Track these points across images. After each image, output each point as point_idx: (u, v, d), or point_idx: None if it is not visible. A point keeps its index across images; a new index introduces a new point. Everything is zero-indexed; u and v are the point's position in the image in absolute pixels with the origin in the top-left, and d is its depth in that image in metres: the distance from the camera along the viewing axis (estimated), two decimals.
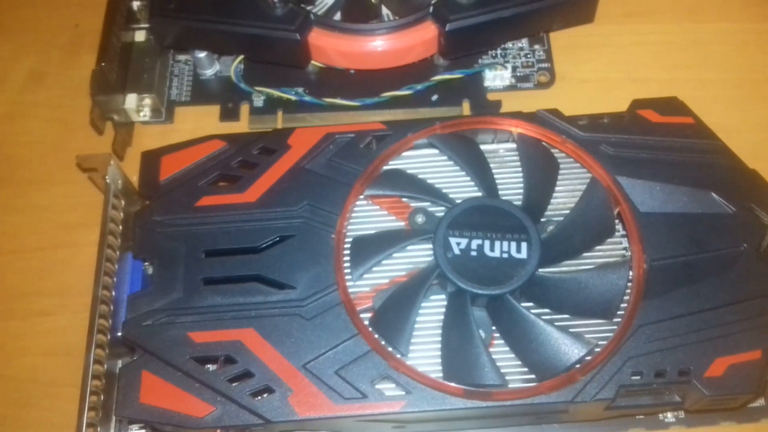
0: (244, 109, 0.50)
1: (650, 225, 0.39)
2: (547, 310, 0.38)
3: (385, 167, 0.42)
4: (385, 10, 0.50)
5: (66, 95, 0.51)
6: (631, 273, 0.38)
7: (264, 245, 0.39)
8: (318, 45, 0.47)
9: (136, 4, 0.50)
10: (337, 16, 0.49)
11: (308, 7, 0.49)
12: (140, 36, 0.50)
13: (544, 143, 0.42)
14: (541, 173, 0.41)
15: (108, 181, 0.41)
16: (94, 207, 0.44)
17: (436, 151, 0.42)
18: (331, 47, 0.47)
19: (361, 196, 0.41)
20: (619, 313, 0.38)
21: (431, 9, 0.47)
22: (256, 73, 0.50)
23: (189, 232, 0.39)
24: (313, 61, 0.49)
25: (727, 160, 0.41)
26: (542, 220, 0.40)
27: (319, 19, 0.47)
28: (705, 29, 0.53)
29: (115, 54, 0.46)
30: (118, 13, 0.48)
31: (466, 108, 0.50)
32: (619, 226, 0.40)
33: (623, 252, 0.40)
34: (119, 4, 0.49)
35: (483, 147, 0.43)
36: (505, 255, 0.38)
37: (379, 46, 0.47)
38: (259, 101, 0.50)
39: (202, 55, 0.49)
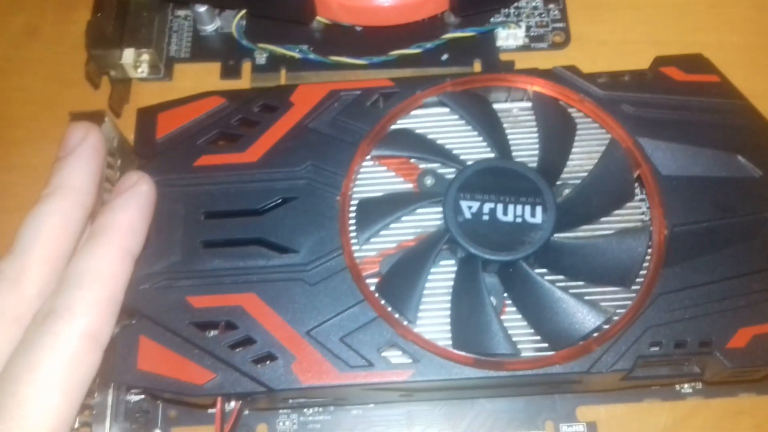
0: (246, 66, 0.48)
1: (672, 189, 0.37)
2: (561, 277, 0.36)
3: (393, 126, 0.40)
4: None
5: (61, 51, 0.49)
6: (651, 239, 0.36)
7: (266, 207, 0.37)
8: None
9: None
10: None
11: None
12: None
13: (560, 102, 0.40)
14: (557, 134, 0.39)
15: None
16: None
17: (447, 110, 0.40)
18: (336, 1, 0.45)
19: (368, 157, 0.39)
20: (638, 280, 0.36)
21: None
22: (259, 30, 0.48)
23: (188, 193, 0.37)
24: (318, 17, 0.47)
25: (755, 121, 0.39)
26: (558, 183, 0.38)
27: None
28: None
29: (111, 6, 0.44)
30: None
31: (477, 68, 0.48)
32: (639, 190, 0.38)
33: (643, 217, 0.38)
34: None
35: (496, 106, 0.41)
36: (518, 219, 0.36)
37: (387, 0, 0.45)
38: (261, 59, 0.48)
39: (202, 9, 0.47)
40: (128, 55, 0.46)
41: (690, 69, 0.40)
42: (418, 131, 0.40)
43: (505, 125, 0.40)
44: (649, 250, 0.36)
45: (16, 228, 0.44)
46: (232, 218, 0.37)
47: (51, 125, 0.47)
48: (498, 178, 0.37)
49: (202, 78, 0.48)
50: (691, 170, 0.38)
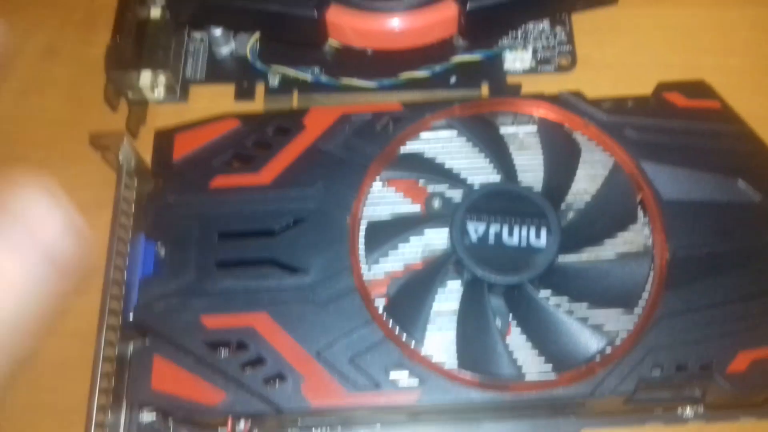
0: (260, 88, 0.49)
1: (674, 213, 0.38)
2: (565, 299, 0.37)
3: (402, 149, 0.41)
4: None
5: (81, 72, 0.51)
6: (653, 262, 0.37)
7: (278, 228, 0.38)
8: (335, 22, 0.46)
9: None
10: None
11: None
12: (156, 12, 0.49)
13: (565, 127, 0.41)
14: (561, 158, 0.40)
15: (121, 160, 0.40)
16: (107, 186, 0.43)
17: (455, 133, 0.42)
18: (349, 25, 0.46)
19: (377, 179, 0.40)
20: (640, 303, 0.37)
21: None
22: (272, 52, 0.49)
23: (202, 214, 0.39)
24: (330, 40, 0.48)
25: (755, 146, 0.40)
26: (563, 206, 0.39)
27: None
28: (731, 13, 0.51)
29: (130, 30, 0.45)
30: None
31: (485, 90, 0.49)
32: (642, 213, 0.39)
33: (646, 240, 0.39)
34: None
35: (502, 130, 0.42)
36: (524, 242, 0.37)
37: (398, 24, 0.46)
38: (274, 81, 0.49)
39: (217, 32, 0.48)
40: (146, 77, 0.47)
41: (692, 95, 0.41)
42: (426, 154, 0.41)
43: (511, 149, 0.41)
44: (651, 273, 0.37)
45: None
46: (245, 238, 0.38)
47: (70, 146, 0.48)
48: (504, 202, 0.38)
49: (216, 100, 0.49)
50: (693, 195, 0.39)
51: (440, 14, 0.46)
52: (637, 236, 0.39)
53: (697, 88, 0.41)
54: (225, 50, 0.49)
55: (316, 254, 0.38)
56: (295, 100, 0.49)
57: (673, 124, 0.40)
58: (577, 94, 0.41)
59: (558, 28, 0.51)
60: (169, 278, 0.37)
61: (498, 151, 0.40)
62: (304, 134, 0.40)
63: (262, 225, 0.38)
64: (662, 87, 0.42)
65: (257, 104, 0.49)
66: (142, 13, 0.48)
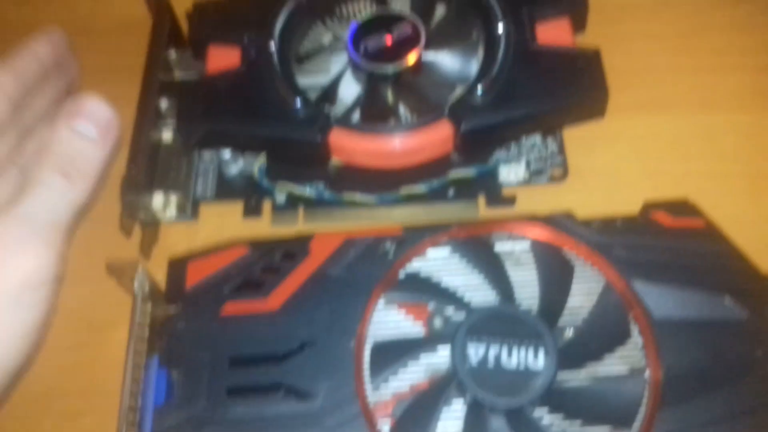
0: (267, 205, 0.51)
1: (665, 331, 0.40)
2: (562, 416, 0.39)
3: (403, 271, 0.43)
4: (402, 109, 0.52)
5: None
6: (647, 381, 0.39)
7: (286, 353, 0.40)
8: (338, 145, 0.49)
9: (163, 104, 0.52)
10: (357, 114, 0.51)
11: (329, 108, 0.50)
12: (167, 135, 0.52)
13: (557, 247, 0.43)
14: (555, 279, 0.42)
15: (136, 288, 0.42)
16: (121, 305, 0.45)
17: (453, 253, 0.44)
18: (351, 147, 0.49)
19: (381, 301, 0.42)
20: (636, 423, 0.38)
21: (447, 110, 0.49)
22: (279, 170, 0.52)
23: (213, 341, 0.40)
24: (333, 158, 0.51)
25: (740, 264, 0.42)
26: (560, 322, 0.41)
27: (338, 120, 0.49)
28: (718, 120, 0.54)
29: (144, 156, 0.48)
30: (148, 114, 0.50)
31: (481, 202, 0.51)
32: (635, 330, 0.41)
33: (640, 357, 0.40)
34: (149, 104, 0.50)
35: (499, 246, 0.44)
36: (522, 364, 0.39)
37: (397, 145, 0.49)
38: (281, 198, 0.51)
39: (227, 154, 0.51)
40: (158, 199, 0.49)
41: (678, 213, 0.43)
42: (427, 274, 0.43)
43: (508, 264, 0.43)
44: (646, 392, 0.38)
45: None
46: (255, 364, 0.40)
47: (85, 266, 0.50)
48: (502, 324, 0.40)
49: (225, 217, 0.51)
50: (682, 313, 0.40)
51: (436, 134, 0.49)
52: (632, 352, 0.40)
53: (683, 207, 0.44)
54: (234, 169, 0.52)
55: (322, 379, 0.39)
56: (300, 216, 0.51)
57: (661, 243, 0.42)
58: (568, 215, 0.44)
59: (549, 140, 0.53)
60: (182, 406, 0.39)
61: (494, 273, 0.42)
62: (309, 259, 0.42)
63: (271, 350, 0.40)
64: (649, 206, 0.44)
65: (265, 221, 0.51)
66: (155, 136, 0.51)
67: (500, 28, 0.50)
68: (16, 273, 0.37)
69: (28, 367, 0.44)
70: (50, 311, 0.40)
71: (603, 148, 0.53)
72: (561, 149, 0.53)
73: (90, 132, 0.41)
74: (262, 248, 0.43)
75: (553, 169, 0.52)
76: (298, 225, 0.51)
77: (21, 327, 0.38)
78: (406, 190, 0.51)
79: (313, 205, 0.51)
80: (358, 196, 0.51)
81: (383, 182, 0.51)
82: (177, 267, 0.43)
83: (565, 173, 0.52)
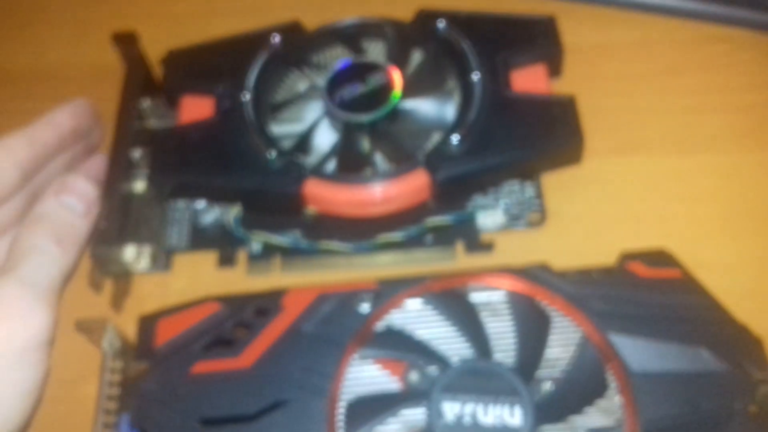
0: (242, 255, 0.51)
1: (643, 385, 0.39)
2: None
3: (379, 325, 0.42)
4: (378, 157, 0.51)
5: None
6: None
7: (258, 413, 0.39)
8: (313, 194, 0.48)
9: (136, 154, 0.52)
10: (332, 164, 0.51)
11: (303, 157, 0.50)
12: (140, 186, 0.51)
13: (534, 299, 0.42)
14: (532, 331, 0.41)
15: (105, 346, 0.42)
16: (92, 360, 0.45)
17: (429, 306, 0.43)
18: (326, 197, 0.49)
19: (355, 357, 0.41)
20: None
21: (423, 158, 0.48)
22: (254, 219, 0.51)
23: (184, 400, 0.40)
24: (308, 207, 0.50)
25: (717, 314, 0.41)
26: (537, 374, 0.41)
27: (313, 170, 0.49)
28: (695, 161, 0.53)
29: (115, 209, 0.47)
30: (120, 166, 0.49)
31: (459, 249, 0.51)
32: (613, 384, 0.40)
33: (619, 408, 0.40)
34: (121, 155, 0.50)
35: (475, 296, 0.43)
36: (498, 421, 0.38)
37: (373, 195, 0.48)
38: (256, 247, 0.51)
39: (201, 203, 0.51)
40: (130, 251, 0.49)
41: (654, 264, 0.43)
42: (402, 328, 0.42)
43: (485, 314, 0.43)
44: None
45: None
46: (226, 425, 0.39)
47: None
48: (478, 379, 0.39)
49: (199, 267, 0.50)
50: (660, 365, 0.40)
51: (413, 184, 0.48)
52: (610, 405, 0.40)
53: (659, 257, 0.43)
54: (208, 219, 0.51)
55: None
56: (277, 265, 0.50)
57: (637, 295, 0.42)
58: (544, 267, 0.43)
59: (527, 185, 0.53)
60: None
61: (470, 325, 0.42)
62: (282, 316, 0.42)
63: (242, 410, 0.39)
64: (625, 257, 0.43)
65: (240, 271, 0.50)
66: (127, 186, 0.51)
67: (475, 76, 0.50)
68: (21, 334, 0.40)
69: (26, 428, 0.44)
70: (48, 370, 0.42)
71: (581, 191, 0.53)
72: (539, 194, 0.53)
73: (77, 206, 0.46)
74: (233, 304, 0.42)
75: (531, 214, 0.52)
76: (275, 274, 0.50)
77: (25, 386, 0.40)
78: (383, 238, 0.50)
79: (290, 253, 0.51)
80: (335, 245, 0.50)
81: (360, 230, 0.50)
82: (147, 324, 0.42)
83: (543, 218, 0.52)
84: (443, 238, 0.51)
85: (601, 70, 0.58)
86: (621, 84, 0.57)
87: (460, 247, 0.51)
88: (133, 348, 0.44)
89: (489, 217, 0.52)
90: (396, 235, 0.50)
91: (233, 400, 0.40)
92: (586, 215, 0.52)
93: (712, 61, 0.58)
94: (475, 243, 0.51)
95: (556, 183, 0.53)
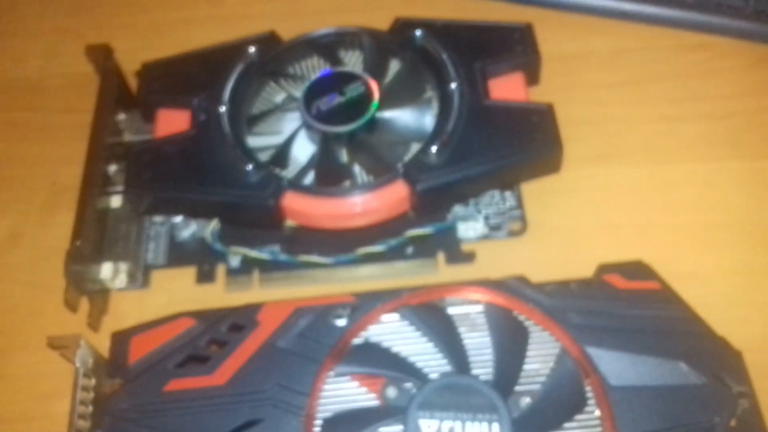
0: (221, 269, 0.50)
1: (621, 399, 0.39)
2: None
3: (355, 340, 0.42)
4: (357, 168, 0.51)
5: (43, 256, 0.52)
6: None
7: (232, 431, 0.39)
8: (291, 208, 0.48)
9: (112, 168, 0.51)
10: (310, 176, 0.50)
11: (281, 171, 0.50)
12: (116, 201, 0.51)
13: (512, 312, 0.42)
14: (509, 345, 0.41)
15: (77, 364, 0.41)
16: (68, 375, 0.44)
17: (407, 321, 0.43)
18: (305, 210, 0.48)
19: (331, 373, 0.41)
20: None
21: (401, 169, 0.48)
22: (232, 233, 0.51)
23: (157, 420, 0.39)
24: (287, 221, 0.50)
25: (695, 327, 0.41)
26: (516, 389, 0.40)
27: (291, 183, 0.48)
28: (674, 170, 0.53)
29: (90, 229, 0.47)
30: (94, 181, 0.49)
31: (440, 260, 0.50)
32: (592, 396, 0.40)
33: (597, 423, 0.39)
34: (95, 170, 0.49)
35: (453, 309, 0.43)
36: None
37: (352, 207, 0.48)
38: (235, 262, 0.50)
39: (178, 218, 0.50)
40: (107, 269, 0.48)
41: (632, 276, 0.43)
42: (380, 341, 0.42)
43: (463, 329, 0.42)
44: None
45: None
46: None
47: (32, 333, 0.49)
48: (455, 395, 0.39)
49: (178, 283, 0.50)
50: (638, 379, 0.39)
51: (392, 195, 0.48)
52: (589, 421, 0.39)
53: (637, 269, 0.43)
54: (185, 233, 0.51)
55: None
56: (256, 281, 0.50)
57: (615, 307, 0.41)
58: (521, 279, 0.43)
59: (507, 195, 0.53)
60: None
61: (448, 339, 0.41)
62: (258, 331, 0.41)
63: (217, 429, 0.39)
64: (603, 269, 0.43)
65: (218, 286, 0.50)
66: (102, 203, 0.50)
67: (453, 85, 0.50)
68: None
69: None
70: None
71: (561, 201, 0.53)
72: (519, 203, 0.52)
73: None
74: (208, 319, 0.42)
75: (511, 224, 0.52)
76: (254, 289, 0.50)
77: None
78: (363, 250, 0.50)
79: (269, 267, 0.50)
80: (315, 258, 0.50)
81: (339, 243, 0.50)
82: (120, 341, 0.42)
83: (524, 227, 0.52)
84: (424, 249, 0.51)
85: (579, 78, 0.57)
86: (599, 92, 0.57)
87: (441, 258, 0.50)
88: (107, 365, 0.43)
89: (470, 227, 0.51)
90: (376, 248, 0.50)
91: (207, 418, 0.39)
92: (566, 225, 0.52)
93: (690, 69, 0.58)
94: (456, 254, 0.50)
95: (536, 192, 0.53)
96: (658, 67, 0.58)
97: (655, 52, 0.59)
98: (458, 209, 0.52)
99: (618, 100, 0.57)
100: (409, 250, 0.50)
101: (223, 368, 0.40)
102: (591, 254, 0.46)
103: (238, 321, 0.42)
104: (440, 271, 0.50)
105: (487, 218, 0.52)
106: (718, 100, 0.56)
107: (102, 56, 0.52)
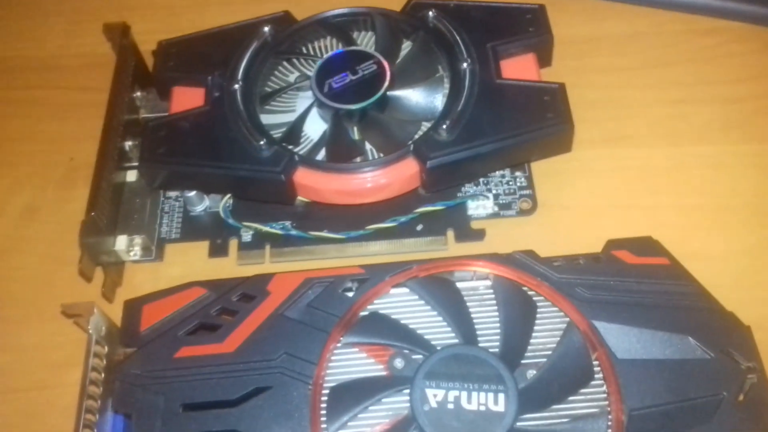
0: (233, 244, 0.51)
1: (628, 372, 0.39)
2: None
3: (364, 311, 0.42)
4: (368, 146, 0.51)
5: (59, 230, 0.52)
6: (610, 423, 0.38)
7: (241, 398, 0.39)
8: (303, 184, 0.48)
9: (128, 144, 0.52)
10: (322, 153, 0.51)
11: (293, 147, 0.50)
12: (131, 176, 0.52)
13: (520, 285, 0.42)
14: (517, 318, 0.41)
15: (90, 330, 0.42)
16: (81, 345, 0.44)
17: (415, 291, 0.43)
18: (316, 185, 0.49)
19: (339, 343, 0.41)
20: None
21: (412, 147, 0.48)
22: (245, 209, 0.51)
23: (167, 385, 0.40)
24: (299, 197, 0.50)
25: (704, 302, 0.41)
26: (523, 362, 0.40)
27: (303, 159, 0.49)
28: (684, 153, 0.53)
29: (105, 200, 0.47)
30: (110, 155, 0.50)
31: (450, 237, 0.51)
32: (599, 369, 0.40)
33: (604, 396, 0.39)
34: (111, 144, 0.50)
35: (462, 284, 0.43)
36: (482, 407, 0.38)
37: (362, 183, 0.48)
38: (247, 236, 0.51)
39: (191, 193, 0.51)
40: (121, 241, 0.49)
41: (641, 252, 0.43)
42: (388, 313, 0.42)
43: (471, 304, 0.42)
44: None
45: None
46: (209, 410, 0.39)
47: (47, 305, 0.49)
48: (462, 365, 0.39)
49: (191, 256, 0.51)
50: (646, 353, 0.40)
51: (402, 172, 0.48)
52: (596, 394, 0.40)
53: (646, 245, 0.43)
54: (199, 208, 0.52)
55: (278, 425, 0.38)
56: (267, 255, 0.50)
57: (624, 282, 0.41)
58: (530, 253, 0.43)
59: (518, 174, 0.53)
60: None
61: (456, 312, 0.41)
62: (268, 301, 0.42)
63: (226, 395, 0.39)
64: (612, 244, 0.43)
65: (231, 260, 0.50)
66: (118, 177, 0.51)
67: (465, 65, 0.50)
68: None
69: None
70: None
71: (571, 181, 0.53)
72: (530, 183, 0.53)
73: None
74: (219, 289, 0.42)
75: (521, 202, 0.52)
76: (265, 263, 0.50)
77: None
78: (373, 226, 0.50)
79: (280, 243, 0.51)
80: (326, 234, 0.50)
81: (350, 219, 0.50)
82: (132, 309, 0.42)
83: (534, 206, 0.52)
84: (434, 226, 0.51)
85: (591, 62, 0.58)
86: (611, 76, 0.57)
87: (450, 235, 0.51)
88: (119, 332, 0.44)
89: (480, 205, 0.52)
90: (386, 224, 0.50)
91: (216, 385, 0.40)
92: (576, 205, 0.52)
93: (702, 53, 0.58)
94: (466, 231, 0.51)
95: (547, 172, 0.53)
96: (670, 51, 0.58)
97: (667, 37, 0.59)
98: (469, 188, 0.52)
99: (630, 84, 0.57)
100: (419, 227, 0.51)
101: (233, 336, 0.41)
102: (600, 233, 0.46)
103: (248, 291, 0.42)
104: (450, 247, 0.50)
105: (497, 197, 0.52)
106: (729, 85, 0.56)
107: (119, 34, 0.53)
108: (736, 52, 0.57)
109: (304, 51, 0.55)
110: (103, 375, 0.42)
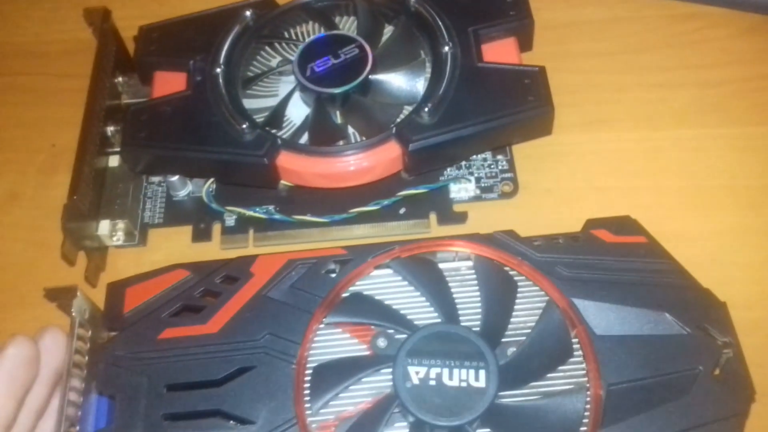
0: (217, 228, 0.51)
1: (606, 348, 0.40)
2: None
3: (346, 292, 0.43)
4: (351, 129, 0.52)
5: (41, 215, 0.53)
6: (589, 398, 0.39)
7: (224, 378, 0.39)
8: (286, 167, 0.49)
9: (110, 129, 0.52)
10: (305, 137, 0.51)
11: (276, 131, 0.50)
12: (114, 161, 0.52)
13: (501, 265, 0.43)
14: (498, 296, 0.42)
15: (74, 313, 0.42)
16: (65, 330, 0.45)
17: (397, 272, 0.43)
18: (299, 169, 0.49)
19: (322, 323, 0.41)
20: None
21: (394, 130, 0.49)
22: (228, 193, 0.52)
23: (151, 366, 0.40)
24: (282, 181, 0.50)
25: (681, 279, 0.42)
26: (503, 340, 0.41)
27: (286, 143, 0.49)
28: (662, 136, 0.54)
29: (87, 185, 0.47)
30: (92, 140, 0.50)
31: (433, 220, 0.51)
32: (578, 347, 0.41)
33: (583, 373, 0.40)
34: (93, 129, 0.50)
35: (444, 265, 0.44)
36: (463, 383, 0.38)
37: (345, 166, 0.49)
38: (230, 221, 0.51)
39: (174, 177, 0.51)
40: (104, 226, 0.49)
41: (619, 231, 0.43)
42: (371, 294, 0.42)
43: (453, 284, 0.43)
44: (588, 410, 0.38)
45: None
46: (193, 390, 0.39)
47: (29, 291, 0.50)
48: (444, 343, 0.40)
49: (174, 241, 0.51)
50: (624, 329, 0.40)
51: (384, 155, 0.49)
52: (575, 370, 0.40)
53: (624, 224, 0.44)
54: (182, 193, 0.52)
55: (262, 404, 0.39)
56: (251, 239, 0.51)
57: (602, 261, 0.42)
58: (510, 233, 0.43)
59: (500, 157, 0.53)
60: None
61: (438, 291, 0.42)
62: (251, 282, 0.42)
63: (209, 376, 0.40)
64: (591, 224, 0.44)
65: (214, 245, 0.51)
66: (100, 162, 0.51)
67: (446, 48, 0.50)
68: None
69: None
70: None
71: (552, 164, 0.54)
72: (511, 166, 0.53)
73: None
74: (203, 271, 0.43)
75: (503, 185, 0.52)
76: (249, 248, 0.51)
77: None
78: (357, 209, 0.50)
79: (264, 227, 0.51)
80: (309, 217, 0.50)
81: (333, 203, 0.51)
82: (115, 291, 0.42)
83: (515, 189, 0.52)
84: (417, 209, 0.51)
85: (571, 47, 0.58)
86: (591, 61, 0.58)
87: (433, 218, 0.51)
88: (103, 314, 0.44)
89: (462, 188, 0.52)
90: (370, 207, 0.51)
91: (199, 366, 0.40)
92: (556, 187, 0.53)
93: (681, 38, 0.58)
94: (449, 214, 0.51)
95: (527, 157, 0.54)
96: (649, 36, 0.59)
97: (646, 22, 0.60)
98: (451, 171, 0.53)
99: (609, 69, 0.57)
100: (402, 210, 0.51)
101: (216, 317, 0.41)
102: (581, 215, 0.46)
103: (232, 272, 0.43)
104: (433, 230, 0.51)
105: (479, 180, 0.52)
106: (708, 69, 0.57)
107: (100, 19, 0.53)
108: (713, 37, 0.58)
109: (286, 35, 0.55)
110: (86, 358, 0.42)
